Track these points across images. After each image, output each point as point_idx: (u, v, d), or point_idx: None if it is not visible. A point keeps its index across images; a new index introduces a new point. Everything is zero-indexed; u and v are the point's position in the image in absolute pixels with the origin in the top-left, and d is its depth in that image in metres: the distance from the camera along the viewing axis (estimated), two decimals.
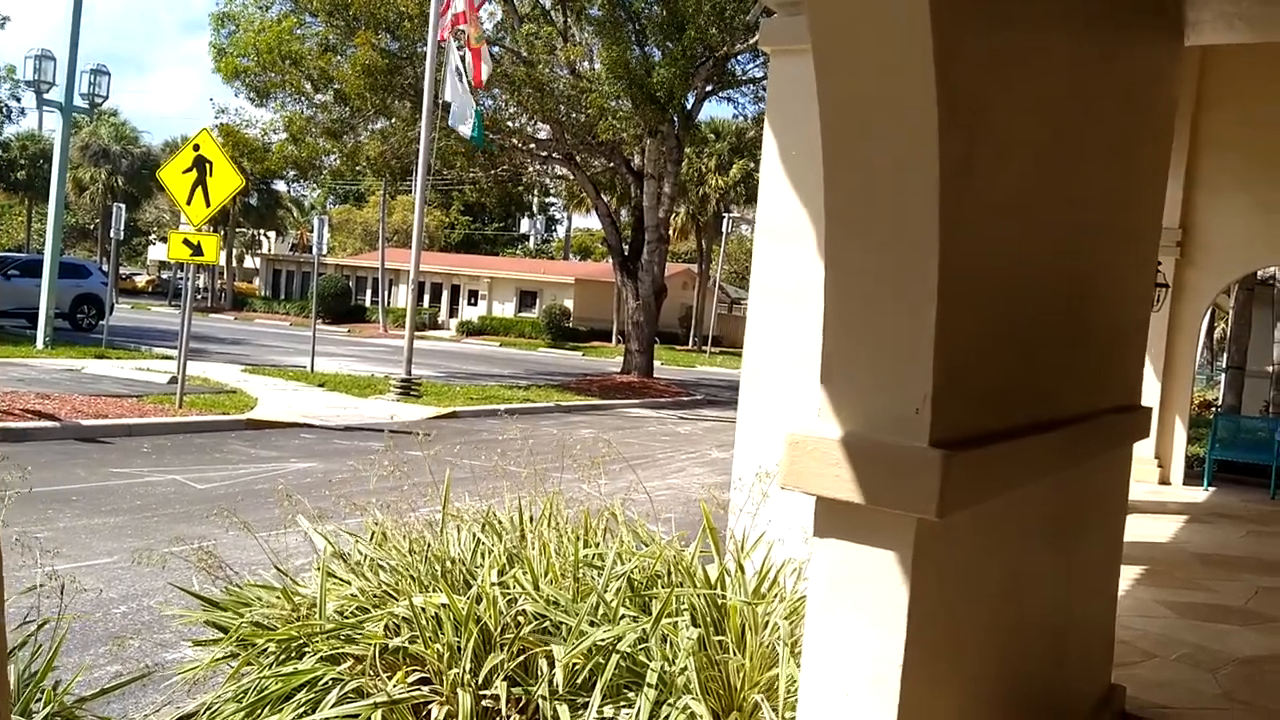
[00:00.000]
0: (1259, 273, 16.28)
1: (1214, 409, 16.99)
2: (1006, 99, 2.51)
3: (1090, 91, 3.23)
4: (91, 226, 61.35)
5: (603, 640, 3.34)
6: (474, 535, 4.09)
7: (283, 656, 3.50)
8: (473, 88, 17.62)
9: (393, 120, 22.59)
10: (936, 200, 2.12)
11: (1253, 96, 11.08)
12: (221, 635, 3.73)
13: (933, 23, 2.00)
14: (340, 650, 3.46)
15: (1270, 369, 17.54)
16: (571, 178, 27.85)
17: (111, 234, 26.21)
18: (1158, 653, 5.48)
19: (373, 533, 4.21)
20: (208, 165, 13.16)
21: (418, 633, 3.44)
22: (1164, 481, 11.93)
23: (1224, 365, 17.64)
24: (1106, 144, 3.53)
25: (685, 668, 3.30)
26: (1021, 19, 2.56)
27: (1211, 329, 29.74)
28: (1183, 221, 11.56)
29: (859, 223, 2.25)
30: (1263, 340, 17.59)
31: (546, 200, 67.73)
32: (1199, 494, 11.62)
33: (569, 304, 48.24)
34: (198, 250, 13.47)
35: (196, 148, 13.25)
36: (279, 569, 4.02)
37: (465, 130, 17.72)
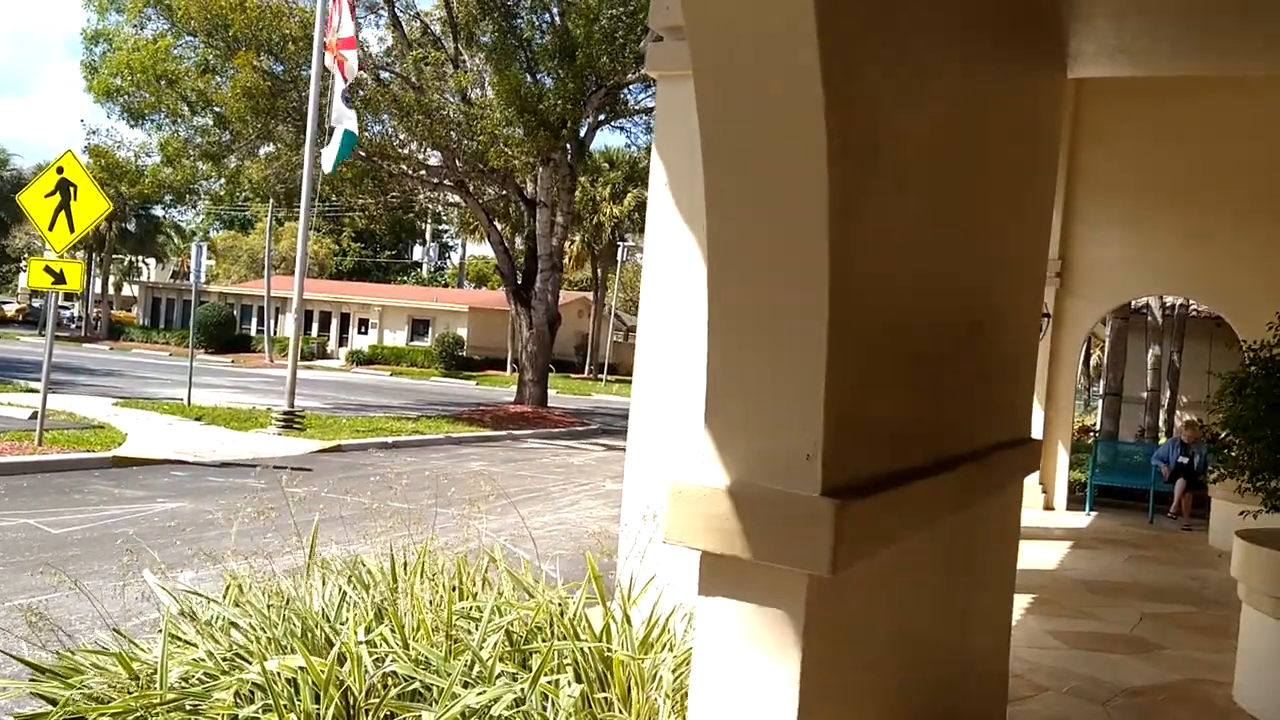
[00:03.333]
0: (1133, 302, 16.89)
1: (1093, 434, 17.51)
2: (899, 129, 2.38)
3: (982, 122, 3.14)
4: None
5: (476, 703, 3.08)
6: (339, 588, 3.78)
7: None
8: (346, 97, 17.13)
9: (276, 145, 21.90)
10: (826, 233, 1.96)
11: (1124, 133, 11.47)
12: (50, 709, 3.33)
13: (820, 47, 1.84)
14: None
15: (1145, 395, 18.21)
16: (464, 205, 27.39)
17: None
18: (1050, 685, 5.44)
19: (228, 586, 3.86)
20: (72, 189, 12.44)
21: (271, 701, 3.12)
22: (1048, 507, 12.16)
23: (1100, 392, 18.23)
24: (999, 175, 3.46)
25: None
26: (913, 48, 2.43)
27: (1087, 356, 30.90)
28: (1062, 252, 11.87)
29: (742, 255, 2.08)
30: (1137, 368, 18.26)
31: (440, 228, 66.89)
32: (1082, 519, 11.86)
33: (463, 332, 47.50)
34: (60, 278, 12.69)
35: (60, 170, 12.50)
36: (117, 630, 3.64)
37: (328, 159, 17.26)
